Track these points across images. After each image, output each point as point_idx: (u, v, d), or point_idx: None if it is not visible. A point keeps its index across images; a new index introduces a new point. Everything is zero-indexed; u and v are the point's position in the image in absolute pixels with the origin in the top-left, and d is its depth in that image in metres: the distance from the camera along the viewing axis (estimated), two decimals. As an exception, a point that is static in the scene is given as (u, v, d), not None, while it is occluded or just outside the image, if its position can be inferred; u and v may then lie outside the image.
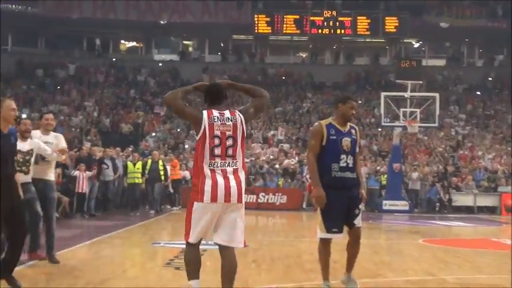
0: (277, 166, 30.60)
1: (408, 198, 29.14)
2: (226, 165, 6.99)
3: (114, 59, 47.75)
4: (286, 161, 30.87)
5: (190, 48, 50.80)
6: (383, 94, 30.69)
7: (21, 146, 10.25)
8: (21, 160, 10.28)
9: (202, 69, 45.79)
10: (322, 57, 49.49)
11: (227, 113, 7.20)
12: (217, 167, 6.96)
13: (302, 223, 23.79)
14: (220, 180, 6.94)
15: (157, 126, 38.12)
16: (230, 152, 7.02)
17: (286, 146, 34.33)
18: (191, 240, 7.33)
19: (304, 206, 28.48)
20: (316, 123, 8.67)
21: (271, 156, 32.78)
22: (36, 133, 10.94)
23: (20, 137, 10.28)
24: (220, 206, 7.01)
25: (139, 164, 24.08)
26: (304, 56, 50.02)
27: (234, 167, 7.04)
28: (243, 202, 7.18)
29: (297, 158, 31.71)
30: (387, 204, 28.44)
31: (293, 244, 15.26)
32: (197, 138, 7.05)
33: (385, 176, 29.41)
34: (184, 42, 51.00)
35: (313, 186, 8.38)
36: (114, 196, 24.22)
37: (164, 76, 45.86)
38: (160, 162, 24.89)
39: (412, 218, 25.63)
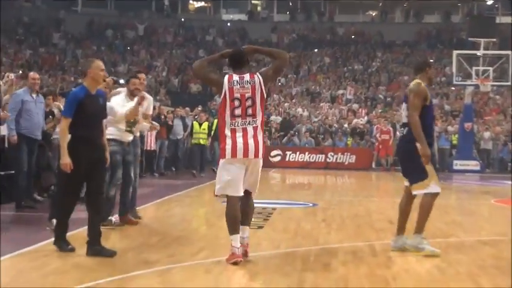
0: (346, 126, 30.41)
1: (479, 158, 28.69)
2: (246, 123, 7.68)
3: (182, 19, 47.88)
4: (355, 121, 30.64)
5: (259, 8, 50.57)
6: (455, 52, 30.10)
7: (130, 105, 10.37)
8: (131, 120, 10.37)
9: (270, 28, 45.61)
10: (392, 16, 48.71)
11: (246, 76, 7.74)
12: (238, 126, 7.66)
13: (371, 183, 23.66)
14: (240, 139, 7.65)
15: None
16: (250, 111, 7.69)
17: (355, 106, 34.05)
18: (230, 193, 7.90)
19: (373, 165, 28.21)
20: (417, 83, 8.61)
21: (340, 116, 32.62)
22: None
23: (129, 96, 10.40)
24: (241, 161, 7.71)
25: (205, 125, 22.89)
26: (373, 14, 49.33)
27: (254, 125, 7.71)
28: (260, 157, 7.81)
29: (366, 118, 31.43)
30: (458, 164, 28.05)
31: (362, 204, 15.20)
32: (220, 101, 7.77)
33: (456, 135, 28.98)
34: (253, 1, 50.80)
35: (421, 144, 8.52)
36: (183, 155, 24.41)
37: (232, 36, 45.84)
38: None
39: (483, 178, 25.27)
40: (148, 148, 21.14)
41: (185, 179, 20.55)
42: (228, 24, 47.76)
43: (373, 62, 41.50)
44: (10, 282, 6.55)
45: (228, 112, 7.67)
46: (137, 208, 12.16)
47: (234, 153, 7.66)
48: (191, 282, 6.77)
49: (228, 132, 7.69)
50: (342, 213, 13.03)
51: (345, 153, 28.80)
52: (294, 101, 35.34)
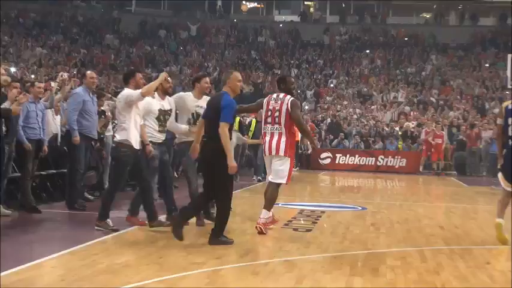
0: (397, 129, 30.16)
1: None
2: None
3: (235, 20, 48.02)
4: (406, 124, 30.37)
5: (311, 9, 50.44)
6: (510, 55, 29.60)
7: (162, 104, 10.54)
8: (162, 118, 10.51)
9: (323, 30, 45.48)
10: (447, 18, 48.17)
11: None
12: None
13: (421, 187, 23.42)
14: (267, 139, 10.38)
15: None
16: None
17: (406, 109, 33.75)
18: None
19: (420, 169, 27.80)
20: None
21: (391, 119, 32.39)
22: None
23: (161, 95, 10.51)
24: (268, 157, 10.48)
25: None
26: (427, 16, 48.84)
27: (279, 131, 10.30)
28: (280, 153, 10.27)
29: (416, 121, 31.12)
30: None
31: (412, 208, 15.05)
32: None
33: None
34: (306, 2, 50.71)
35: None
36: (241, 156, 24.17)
37: (285, 37, 45.83)
38: None
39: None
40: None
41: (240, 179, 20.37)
42: (280, 25, 47.71)
43: (426, 65, 41.09)
44: (60, 280, 6.64)
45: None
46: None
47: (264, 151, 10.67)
48: (238, 284, 6.78)
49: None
50: (392, 217, 12.92)
51: (396, 157, 28.57)
52: (345, 103, 35.18)
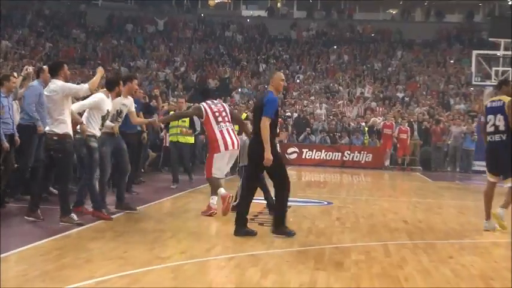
0: (363, 124, 30.30)
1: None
2: None
3: (202, 15, 47.88)
4: (372, 119, 30.51)
5: (279, 4, 50.45)
6: (474, 52, 29.95)
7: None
8: (106, 118, 10.95)
9: (290, 25, 45.53)
10: (413, 14, 48.44)
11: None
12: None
13: (387, 182, 23.58)
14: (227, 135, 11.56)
15: (244, 81, 38.18)
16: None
17: (373, 104, 33.92)
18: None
19: (386, 164, 27.90)
20: None
21: (357, 114, 32.54)
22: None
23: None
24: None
25: None
26: (394, 12, 49.09)
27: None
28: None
29: (383, 117, 31.24)
30: (477, 165, 27.84)
31: (377, 203, 15.18)
32: None
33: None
34: (273, -2, 50.77)
35: None
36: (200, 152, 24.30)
37: (252, 32, 45.82)
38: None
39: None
40: (167, 145, 20.81)
41: (200, 174, 20.41)
42: (248, 20, 47.67)
43: (393, 61, 41.35)
44: (22, 275, 6.58)
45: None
46: (153, 203, 12.35)
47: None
48: (203, 278, 6.79)
49: None
50: (357, 212, 13.00)
51: (362, 152, 28.70)
52: (312, 98, 35.26)
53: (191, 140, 17.03)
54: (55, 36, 41.92)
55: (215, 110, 11.68)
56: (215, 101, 12.12)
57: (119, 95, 11.20)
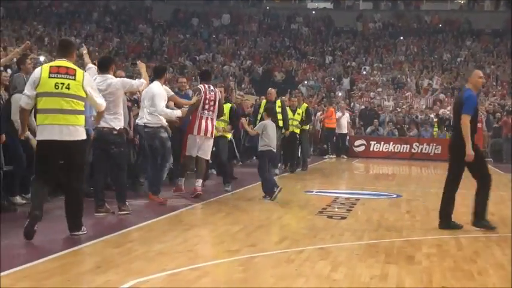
0: (432, 115, 29.89)
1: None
2: None
3: (267, 8, 47.87)
4: (441, 111, 30.07)
5: (344, -5, 50.10)
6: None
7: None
8: None
9: (356, 17, 45.19)
10: (481, 4, 47.53)
11: None
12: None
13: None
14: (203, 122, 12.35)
15: (310, 74, 38.06)
16: None
17: (441, 96, 33.44)
18: None
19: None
20: None
21: (426, 106, 32.11)
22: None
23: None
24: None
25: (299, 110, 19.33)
26: (462, 2, 48.27)
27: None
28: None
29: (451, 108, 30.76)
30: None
31: (448, 195, 14.89)
32: None
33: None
34: (339, -11, 50.39)
35: None
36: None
37: (318, 24, 45.61)
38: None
39: None
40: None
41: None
42: (313, 12, 47.47)
43: (461, 51, 40.65)
44: (96, 267, 6.67)
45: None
46: (220, 196, 12.45)
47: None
48: (273, 272, 6.76)
49: None
50: (427, 205, 12.81)
51: (431, 144, 28.32)
52: (379, 90, 34.97)
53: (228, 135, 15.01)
54: (122, 31, 42.46)
55: (208, 96, 12.41)
56: (211, 87, 12.72)
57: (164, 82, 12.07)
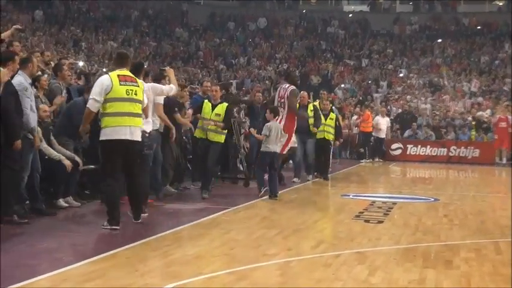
0: (470, 118, 29.63)
1: None
2: None
3: (304, 11, 47.84)
4: (479, 114, 29.80)
5: (381, -1, 49.91)
6: None
7: None
8: None
9: (393, 19, 44.97)
10: (521, 5, 47.00)
11: None
12: None
13: (495, 178, 22.99)
14: None
15: (347, 77, 37.96)
16: None
17: (479, 99, 33.12)
18: None
19: (497, 160, 26.96)
20: None
21: (463, 109, 31.81)
22: None
23: None
24: None
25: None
26: (500, 4, 47.78)
27: None
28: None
29: (489, 111, 30.42)
30: None
31: (486, 199, 14.81)
32: None
33: None
34: (375, -8, 50.21)
35: None
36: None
37: (354, 27, 45.46)
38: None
39: None
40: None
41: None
42: (350, 15, 47.34)
43: (500, 54, 40.22)
44: (135, 270, 6.72)
45: None
46: (256, 200, 12.47)
47: None
48: (310, 276, 6.76)
49: None
50: (465, 208, 12.72)
51: (468, 147, 28.05)
52: (416, 93, 34.75)
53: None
54: (158, 35, 42.70)
55: (280, 94, 14.13)
56: (285, 85, 14.29)
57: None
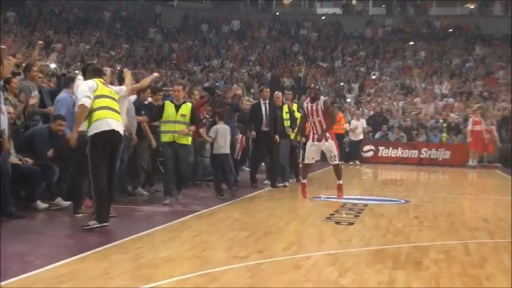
0: (441, 121, 29.85)
1: None
2: None
3: (277, 13, 47.92)
4: (450, 116, 30.02)
5: (354, 1, 50.09)
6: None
7: None
8: None
9: (365, 22, 45.18)
10: (491, 8, 47.42)
11: None
12: None
13: (465, 180, 23.18)
14: None
15: (320, 79, 38.06)
16: None
17: (450, 101, 33.38)
18: None
19: (470, 163, 27.09)
20: None
21: (434, 111, 32.03)
22: None
23: None
24: None
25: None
26: (471, 7, 48.17)
27: None
28: None
29: (460, 113, 30.67)
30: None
31: (456, 201, 14.93)
32: None
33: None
34: (348, -5, 50.44)
35: None
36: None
37: (327, 29, 45.61)
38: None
39: None
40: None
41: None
42: (323, 18, 47.47)
43: (470, 56, 40.57)
44: (105, 273, 6.71)
45: None
46: (228, 202, 12.45)
47: None
48: (281, 278, 6.79)
49: None
50: (435, 210, 12.82)
51: (439, 149, 28.27)
52: (388, 95, 34.93)
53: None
54: (132, 37, 42.57)
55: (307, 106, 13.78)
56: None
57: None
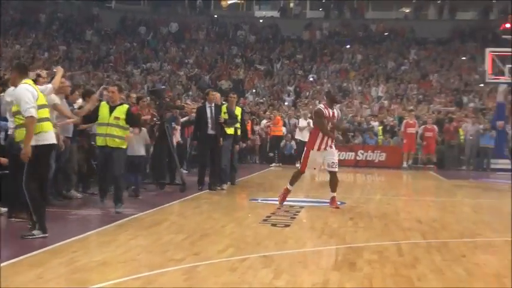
0: (376, 123, 30.23)
1: None
2: None
3: (215, 16, 47.94)
4: (386, 118, 30.43)
5: (292, 4, 50.39)
6: (487, 50, 29.77)
7: None
8: None
9: (303, 25, 45.48)
10: (425, 12, 48.25)
11: None
12: None
13: (400, 181, 23.53)
14: None
15: (258, 82, 38.20)
16: None
17: (386, 103, 33.84)
18: None
19: (405, 164, 27.54)
20: None
21: (371, 113, 32.41)
22: None
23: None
24: None
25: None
26: (407, 11, 48.93)
27: None
28: None
29: (395, 116, 31.10)
30: (493, 163, 27.75)
31: (391, 202, 15.16)
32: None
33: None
34: (285, -2, 50.72)
35: None
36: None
37: (265, 33, 45.79)
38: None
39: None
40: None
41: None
42: (261, 20, 47.65)
43: (406, 59, 41.21)
44: (38, 278, 6.65)
45: None
46: (166, 205, 12.42)
47: None
48: (216, 280, 6.82)
49: None
50: (370, 211, 13.01)
51: (375, 151, 28.63)
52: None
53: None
54: (69, 39, 42.10)
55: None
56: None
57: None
